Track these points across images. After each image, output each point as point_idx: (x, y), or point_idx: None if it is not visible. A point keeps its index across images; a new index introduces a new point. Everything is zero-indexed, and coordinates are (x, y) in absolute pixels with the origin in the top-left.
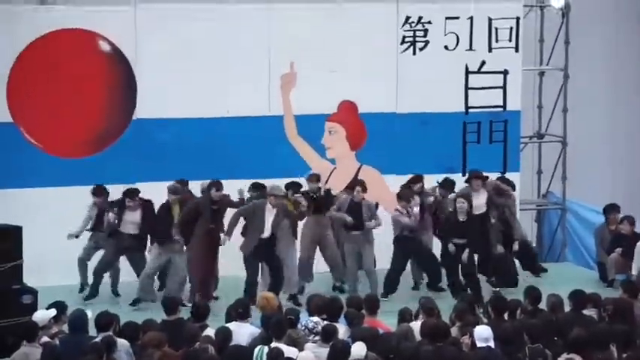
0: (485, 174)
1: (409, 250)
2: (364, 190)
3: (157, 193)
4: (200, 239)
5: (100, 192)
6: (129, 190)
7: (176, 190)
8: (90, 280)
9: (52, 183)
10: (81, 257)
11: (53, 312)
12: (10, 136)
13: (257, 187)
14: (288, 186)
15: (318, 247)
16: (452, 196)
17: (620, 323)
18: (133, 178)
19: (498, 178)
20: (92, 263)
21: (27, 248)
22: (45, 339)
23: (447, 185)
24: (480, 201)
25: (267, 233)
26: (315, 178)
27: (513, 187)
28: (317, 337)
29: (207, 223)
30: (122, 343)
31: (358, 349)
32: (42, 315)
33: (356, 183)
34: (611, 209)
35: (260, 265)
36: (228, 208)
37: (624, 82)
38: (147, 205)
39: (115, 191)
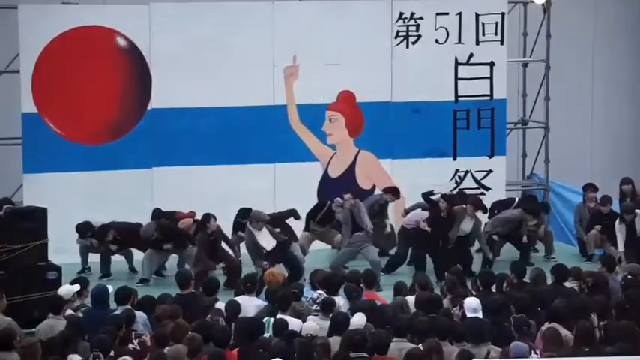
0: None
1: (412, 241)
2: (396, 196)
3: (171, 177)
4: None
5: (83, 232)
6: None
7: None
8: (88, 264)
9: (74, 168)
10: (82, 247)
11: (77, 287)
12: (36, 126)
13: (245, 214)
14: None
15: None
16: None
17: (599, 294)
18: (148, 163)
19: (525, 201)
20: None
21: (51, 228)
22: (69, 311)
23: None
24: (467, 226)
25: (269, 247)
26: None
27: (546, 210)
28: (319, 307)
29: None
30: (140, 315)
31: (358, 319)
32: (67, 289)
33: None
34: (588, 187)
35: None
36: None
37: (601, 72)
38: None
39: (132, 176)
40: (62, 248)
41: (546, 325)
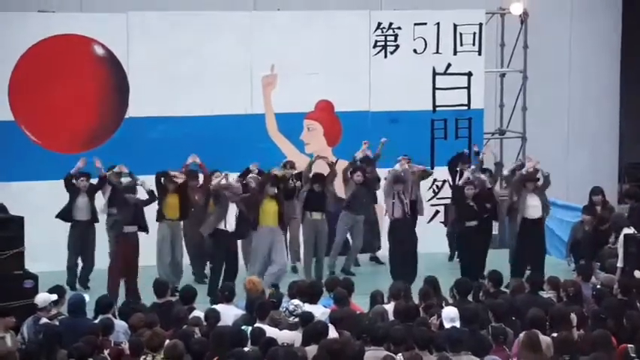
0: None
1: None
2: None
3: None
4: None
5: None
6: None
7: None
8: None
9: (51, 177)
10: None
11: (55, 296)
12: (12, 134)
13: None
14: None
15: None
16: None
17: (577, 304)
18: None
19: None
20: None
21: (27, 237)
22: (44, 320)
23: None
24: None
25: (230, 227)
26: (289, 164)
27: None
28: (297, 319)
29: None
30: (121, 324)
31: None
32: (43, 298)
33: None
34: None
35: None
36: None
37: (577, 82)
38: None
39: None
40: (38, 257)
41: (525, 333)
